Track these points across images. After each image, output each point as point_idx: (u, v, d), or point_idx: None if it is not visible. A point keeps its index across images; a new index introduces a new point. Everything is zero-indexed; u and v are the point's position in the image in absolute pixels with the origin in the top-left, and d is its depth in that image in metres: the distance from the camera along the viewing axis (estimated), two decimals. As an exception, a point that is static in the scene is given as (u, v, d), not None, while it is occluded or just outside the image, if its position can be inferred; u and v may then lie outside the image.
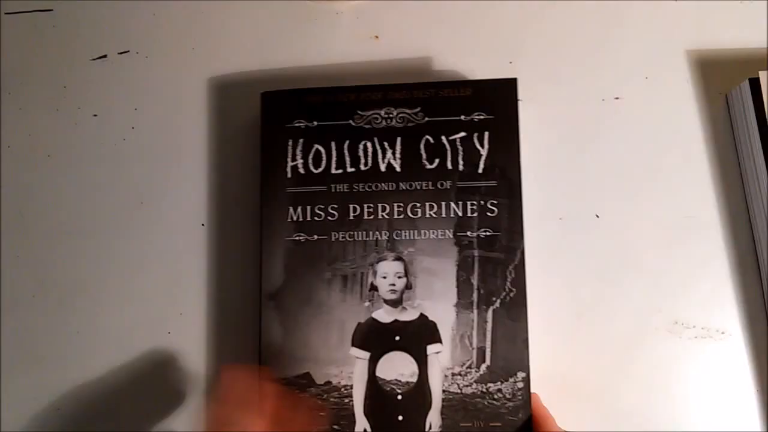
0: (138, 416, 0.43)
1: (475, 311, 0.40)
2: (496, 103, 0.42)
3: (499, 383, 0.39)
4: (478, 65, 0.47)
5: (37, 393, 0.43)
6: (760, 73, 0.44)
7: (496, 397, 0.39)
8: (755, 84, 0.44)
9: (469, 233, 0.40)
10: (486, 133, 0.42)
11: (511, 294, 0.40)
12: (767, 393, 0.42)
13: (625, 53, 0.48)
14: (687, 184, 0.45)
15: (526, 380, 0.39)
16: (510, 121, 0.42)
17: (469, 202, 0.41)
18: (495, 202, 0.41)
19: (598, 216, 0.45)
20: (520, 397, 0.38)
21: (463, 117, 0.42)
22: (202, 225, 0.45)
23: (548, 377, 0.42)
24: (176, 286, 0.45)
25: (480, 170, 0.41)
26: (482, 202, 0.41)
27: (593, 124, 0.47)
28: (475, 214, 0.41)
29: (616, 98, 0.47)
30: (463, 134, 0.42)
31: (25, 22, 0.50)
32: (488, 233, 0.40)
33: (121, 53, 0.49)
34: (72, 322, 0.44)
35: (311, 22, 0.49)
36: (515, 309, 0.40)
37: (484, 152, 0.41)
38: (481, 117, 0.42)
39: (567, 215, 0.45)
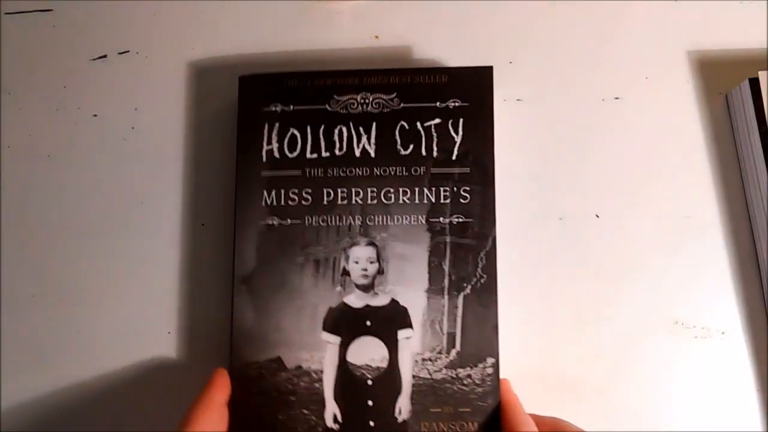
0: (139, 415, 0.43)
1: (446, 297, 0.40)
2: (471, 90, 0.42)
3: (468, 369, 0.39)
4: (478, 64, 0.47)
5: (37, 393, 0.43)
6: (760, 73, 0.44)
7: (465, 382, 0.39)
8: (755, 84, 0.44)
9: (441, 219, 0.41)
10: (461, 120, 0.42)
11: (482, 280, 0.40)
12: (767, 393, 0.42)
13: (625, 53, 0.48)
14: (687, 184, 0.45)
15: (496, 366, 0.39)
16: (485, 109, 0.42)
17: (442, 189, 0.41)
18: (468, 188, 0.41)
19: (598, 216, 0.45)
20: (489, 383, 0.39)
21: (438, 104, 0.42)
22: (202, 225, 0.45)
23: (548, 377, 0.42)
24: (177, 286, 0.45)
25: (454, 157, 0.41)
26: (455, 189, 0.41)
27: (593, 124, 0.47)
28: (448, 201, 0.41)
29: (616, 98, 0.47)
30: (438, 121, 0.42)
31: (25, 22, 0.50)
32: (461, 220, 0.41)
33: (121, 53, 0.49)
34: (72, 322, 0.44)
35: (311, 22, 0.49)
36: (486, 295, 0.40)
37: (458, 139, 0.42)
38: (457, 104, 0.42)
39: (567, 215, 0.45)
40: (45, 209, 0.46)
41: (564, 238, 0.45)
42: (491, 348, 0.39)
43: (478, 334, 0.39)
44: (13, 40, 0.49)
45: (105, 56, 0.49)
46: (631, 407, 0.42)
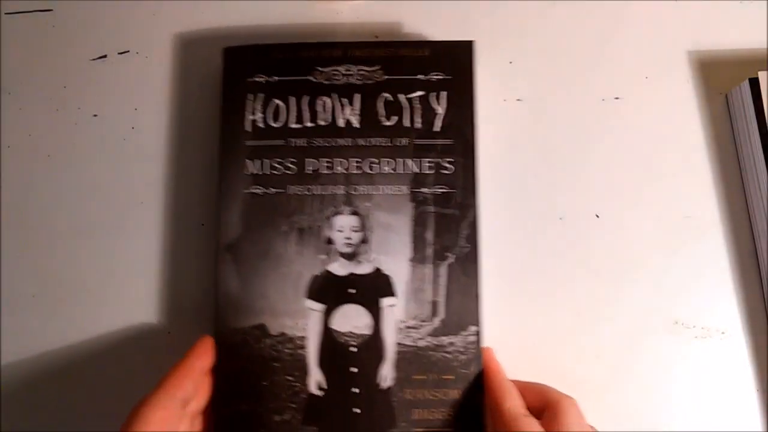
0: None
1: (430, 266, 0.40)
2: (453, 64, 0.43)
3: (451, 336, 0.39)
4: (478, 64, 0.47)
5: (37, 393, 0.43)
6: (760, 73, 0.44)
7: (448, 350, 0.39)
8: (755, 84, 0.44)
9: (424, 190, 0.41)
10: (443, 93, 0.42)
11: (465, 250, 0.40)
12: (767, 393, 0.42)
13: (625, 53, 0.48)
14: (687, 184, 0.45)
15: (478, 334, 0.39)
16: (466, 82, 0.43)
17: (425, 160, 0.42)
18: (451, 160, 0.41)
19: (598, 216, 0.45)
20: (472, 351, 0.39)
21: (421, 76, 0.43)
22: (202, 225, 0.45)
23: (547, 377, 0.42)
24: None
25: (436, 129, 0.42)
26: (438, 160, 0.41)
27: (593, 124, 0.47)
28: (432, 171, 0.41)
29: (616, 98, 0.47)
30: (420, 93, 0.42)
31: (25, 22, 0.50)
32: (444, 190, 0.41)
33: (121, 53, 0.49)
34: (72, 322, 0.44)
35: (311, 22, 0.49)
36: (469, 264, 0.40)
37: (440, 111, 0.42)
38: (439, 77, 0.43)
39: (567, 215, 0.45)
40: (45, 209, 0.46)
41: (564, 238, 0.45)
42: (474, 316, 0.40)
43: (461, 303, 0.40)
44: (13, 40, 0.49)
45: (105, 56, 0.49)
46: (631, 407, 0.42)
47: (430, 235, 0.41)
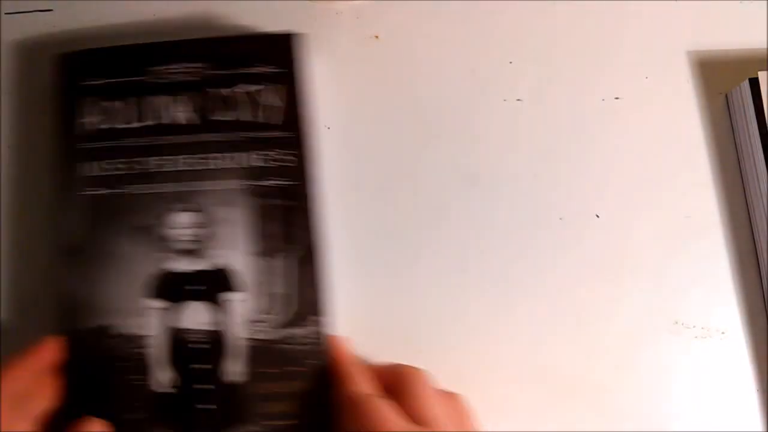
0: None
1: (274, 258, 0.40)
2: (287, 57, 0.43)
3: (298, 328, 0.39)
4: (478, 64, 0.47)
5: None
6: (760, 73, 0.44)
7: (296, 341, 0.39)
8: (755, 84, 0.44)
9: (264, 183, 0.41)
10: (279, 86, 0.42)
11: (309, 240, 0.40)
12: (767, 393, 0.42)
13: (625, 53, 0.48)
14: (687, 184, 0.45)
15: (325, 324, 0.39)
16: (301, 75, 0.43)
17: (264, 153, 0.42)
18: (290, 152, 0.42)
19: (598, 216, 0.45)
20: (320, 342, 0.39)
21: (254, 70, 0.43)
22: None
23: (547, 377, 0.42)
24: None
25: (274, 122, 0.42)
26: (277, 153, 0.41)
27: (593, 124, 0.47)
28: (271, 165, 0.41)
29: (616, 98, 0.47)
30: (255, 87, 0.42)
31: (25, 22, 0.50)
32: (284, 182, 0.41)
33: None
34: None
35: (311, 22, 0.49)
36: (313, 255, 0.40)
37: (277, 104, 0.42)
38: (274, 70, 0.43)
39: (567, 215, 0.45)
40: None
41: (564, 238, 0.45)
42: (320, 306, 0.40)
43: (307, 294, 0.40)
44: (13, 40, 0.49)
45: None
46: (631, 407, 0.42)
47: (273, 228, 0.40)
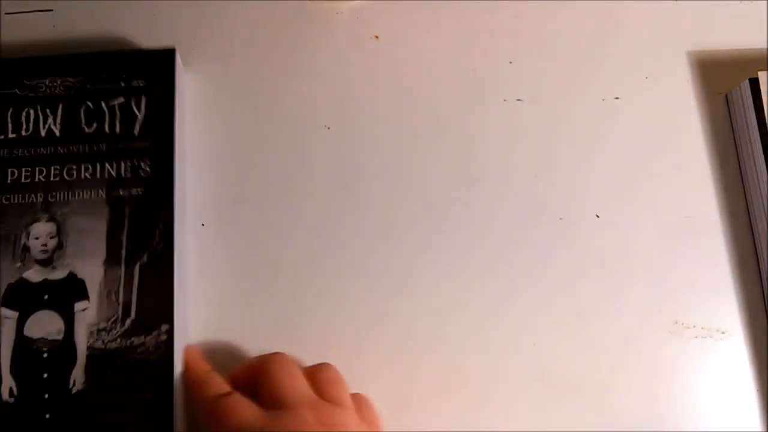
0: None
1: (123, 267, 0.41)
2: (154, 71, 0.44)
3: (143, 337, 0.40)
4: (478, 64, 0.47)
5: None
6: (760, 73, 0.44)
7: (140, 350, 0.39)
8: (755, 84, 0.44)
9: (121, 192, 0.42)
10: (143, 99, 0.44)
11: (158, 249, 0.41)
12: (767, 393, 0.42)
13: (625, 53, 0.48)
14: (687, 184, 0.45)
15: (170, 332, 0.40)
16: (167, 88, 0.44)
17: (123, 163, 0.42)
18: (147, 163, 0.42)
19: (598, 216, 0.45)
20: (164, 350, 0.39)
21: (122, 84, 0.44)
22: (202, 225, 0.45)
23: (547, 377, 0.42)
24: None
25: (135, 133, 0.43)
26: (135, 163, 0.42)
27: (593, 124, 0.47)
28: (128, 174, 0.42)
29: (616, 98, 0.47)
30: (121, 99, 0.44)
31: (25, 22, 0.50)
32: (140, 192, 0.42)
33: (121, 53, 0.49)
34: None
35: (311, 22, 0.49)
36: (162, 264, 0.41)
37: (140, 116, 0.43)
38: (140, 84, 0.44)
39: (567, 215, 0.45)
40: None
41: (564, 238, 0.45)
42: (166, 315, 0.40)
43: (153, 302, 0.40)
44: (13, 40, 0.49)
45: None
46: (631, 407, 0.42)
47: (124, 237, 0.41)
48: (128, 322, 0.40)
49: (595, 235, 0.45)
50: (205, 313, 0.43)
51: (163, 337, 0.39)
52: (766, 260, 0.43)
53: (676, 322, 0.43)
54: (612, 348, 0.43)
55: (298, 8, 0.49)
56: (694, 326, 0.43)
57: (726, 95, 0.47)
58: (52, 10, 0.50)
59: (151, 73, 0.44)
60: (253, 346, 0.42)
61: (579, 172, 0.46)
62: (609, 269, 0.44)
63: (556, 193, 0.45)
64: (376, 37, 0.49)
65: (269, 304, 0.43)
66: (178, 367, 0.39)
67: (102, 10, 0.49)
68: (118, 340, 0.39)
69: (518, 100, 0.47)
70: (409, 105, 0.47)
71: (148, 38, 0.48)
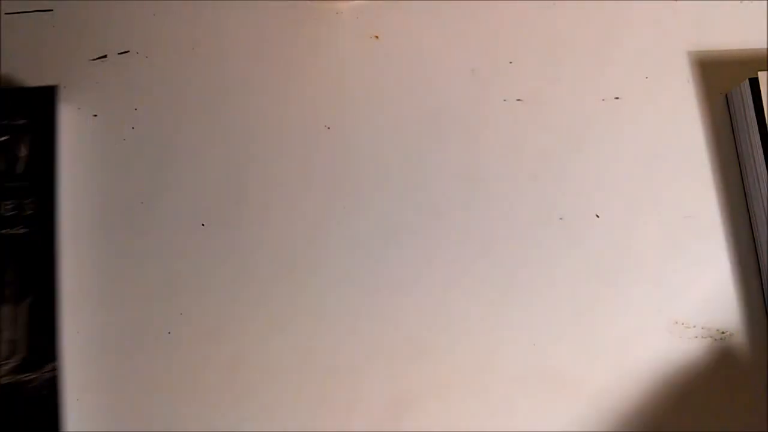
0: None
1: (9, 305, 0.41)
2: (36, 108, 0.44)
3: (31, 374, 0.40)
4: (478, 64, 0.47)
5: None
6: (760, 73, 0.44)
7: (29, 387, 0.40)
8: (755, 84, 0.44)
9: (7, 231, 0.42)
10: (26, 137, 0.44)
11: (43, 288, 0.41)
12: (767, 393, 0.42)
13: (625, 53, 0.48)
14: (687, 184, 0.46)
15: (58, 370, 0.40)
16: (49, 125, 0.44)
17: (6, 202, 0.43)
18: (31, 201, 0.43)
19: (598, 216, 0.45)
20: (52, 387, 0.40)
21: (6, 122, 0.44)
22: (203, 225, 0.45)
23: (547, 377, 0.42)
24: (177, 285, 0.45)
25: (18, 171, 0.43)
26: (19, 202, 0.43)
27: (593, 124, 0.47)
28: (13, 213, 0.42)
29: (616, 98, 0.47)
30: (5, 138, 0.44)
31: (25, 22, 0.50)
32: (24, 230, 0.42)
33: (121, 53, 0.49)
34: (73, 322, 0.44)
35: (311, 22, 0.49)
36: (47, 302, 0.41)
37: (23, 154, 0.43)
38: (22, 122, 0.44)
39: (567, 215, 0.45)
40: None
41: (564, 238, 0.45)
42: (52, 353, 0.40)
43: (40, 340, 0.41)
44: (13, 40, 0.49)
45: (105, 56, 0.49)
46: (631, 407, 0.42)
47: (10, 275, 0.41)
48: (16, 359, 0.40)
49: (595, 235, 0.45)
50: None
51: (49, 375, 0.40)
52: (766, 260, 0.43)
53: (676, 322, 0.43)
54: (612, 348, 0.43)
55: (298, 8, 0.49)
56: (694, 326, 0.43)
57: (726, 95, 0.47)
58: (52, 10, 0.50)
59: (33, 111, 0.44)
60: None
61: (579, 172, 0.46)
62: (609, 269, 0.44)
63: (556, 193, 0.45)
64: (376, 37, 0.49)
65: (268, 306, 0.43)
66: (65, 402, 0.40)
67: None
68: (7, 377, 0.40)
69: (518, 100, 0.47)
70: (409, 105, 0.47)
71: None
